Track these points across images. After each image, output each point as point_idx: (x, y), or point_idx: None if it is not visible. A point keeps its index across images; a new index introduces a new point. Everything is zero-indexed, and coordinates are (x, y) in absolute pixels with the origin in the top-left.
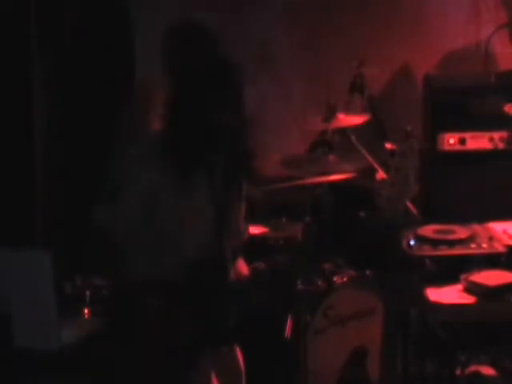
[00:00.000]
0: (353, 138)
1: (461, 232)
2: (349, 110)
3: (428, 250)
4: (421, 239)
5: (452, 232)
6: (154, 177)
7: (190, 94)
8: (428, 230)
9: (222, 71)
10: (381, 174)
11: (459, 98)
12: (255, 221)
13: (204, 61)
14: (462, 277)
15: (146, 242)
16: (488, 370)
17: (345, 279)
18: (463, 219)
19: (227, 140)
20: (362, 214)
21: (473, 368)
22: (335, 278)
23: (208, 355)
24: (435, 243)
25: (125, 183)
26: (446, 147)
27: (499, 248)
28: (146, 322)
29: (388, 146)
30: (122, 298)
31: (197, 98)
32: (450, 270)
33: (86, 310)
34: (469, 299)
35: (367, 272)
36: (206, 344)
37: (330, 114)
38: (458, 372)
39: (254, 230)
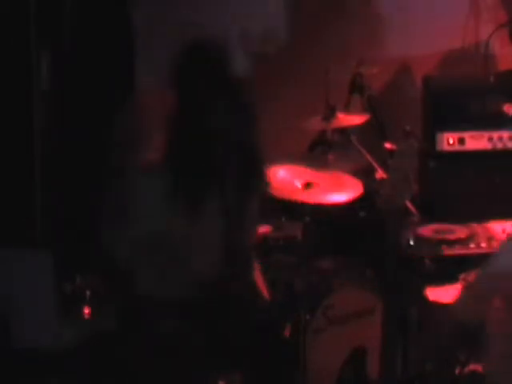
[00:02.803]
0: (353, 137)
1: (460, 232)
2: (349, 110)
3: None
4: (421, 239)
5: (451, 232)
6: (162, 196)
7: (197, 109)
8: (428, 230)
9: (230, 89)
10: (380, 174)
11: (459, 97)
12: None
13: (212, 79)
14: (462, 276)
15: (155, 261)
16: None
17: (345, 279)
18: (463, 219)
19: (237, 152)
20: (362, 213)
21: (472, 367)
22: (335, 278)
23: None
24: (435, 243)
25: (132, 202)
26: (446, 147)
27: None
28: (158, 343)
29: (388, 145)
30: (131, 318)
31: (204, 113)
32: (450, 270)
33: (86, 310)
34: None
35: (367, 272)
36: (217, 366)
37: (330, 114)
38: (457, 372)
39: None
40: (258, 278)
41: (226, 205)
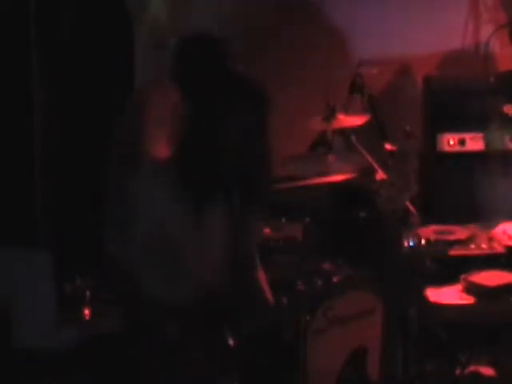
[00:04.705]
0: (353, 138)
1: (460, 232)
2: (349, 110)
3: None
4: (421, 240)
5: (451, 232)
6: (166, 203)
7: (207, 115)
8: (428, 231)
9: (243, 91)
10: (381, 174)
11: (459, 98)
12: None
13: (223, 79)
14: (462, 277)
15: (159, 268)
16: (488, 371)
17: (344, 279)
18: (463, 220)
19: (246, 162)
20: (362, 214)
21: (472, 368)
22: (335, 279)
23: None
24: (435, 244)
25: (136, 210)
26: (446, 148)
27: (499, 248)
28: (162, 349)
29: (388, 146)
30: (137, 323)
31: (215, 120)
32: (450, 271)
33: (86, 311)
34: (468, 299)
35: (367, 272)
36: (219, 369)
37: (330, 114)
38: (457, 372)
39: None
40: (263, 281)
41: (230, 209)
